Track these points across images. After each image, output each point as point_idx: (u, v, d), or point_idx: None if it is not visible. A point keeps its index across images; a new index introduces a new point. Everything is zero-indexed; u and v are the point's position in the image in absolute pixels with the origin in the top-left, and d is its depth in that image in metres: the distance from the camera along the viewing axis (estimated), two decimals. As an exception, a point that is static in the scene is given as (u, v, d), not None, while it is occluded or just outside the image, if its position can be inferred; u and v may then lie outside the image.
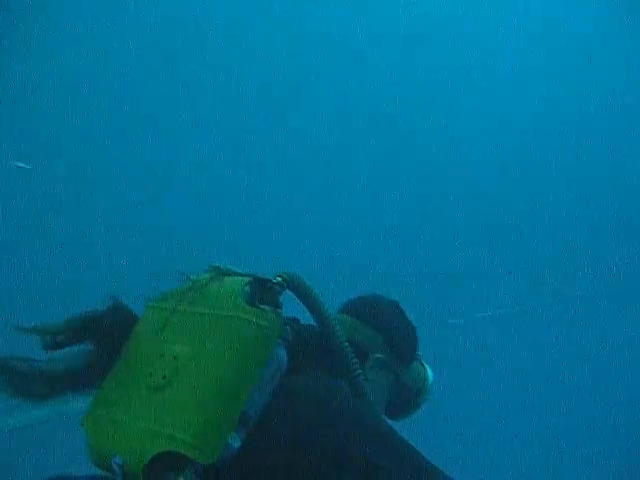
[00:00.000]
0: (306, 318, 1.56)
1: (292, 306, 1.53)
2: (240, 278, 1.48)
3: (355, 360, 1.53)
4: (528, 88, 8.82)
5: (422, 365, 1.77)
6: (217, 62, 7.94)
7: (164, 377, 1.35)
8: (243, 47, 8.01)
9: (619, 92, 8.53)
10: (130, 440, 1.32)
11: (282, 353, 1.43)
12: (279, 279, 1.48)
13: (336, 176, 8.12)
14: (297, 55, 8.21)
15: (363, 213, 7.96)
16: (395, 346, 1.68)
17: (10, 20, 6.69)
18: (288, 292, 1.52)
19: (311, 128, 8.14)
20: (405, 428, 1.55)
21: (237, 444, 1.31)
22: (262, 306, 1.42)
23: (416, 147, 8.46)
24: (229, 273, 1.52)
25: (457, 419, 6.22)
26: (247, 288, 1.44)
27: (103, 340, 1.45)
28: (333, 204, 8.02)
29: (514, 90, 8.78)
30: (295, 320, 1.52)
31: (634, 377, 6.73)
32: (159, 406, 1.33)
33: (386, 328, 1.69)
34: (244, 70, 8.08)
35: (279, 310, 1.45)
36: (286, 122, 8.08)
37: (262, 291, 1.46)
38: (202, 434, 1.27)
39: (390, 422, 1.48)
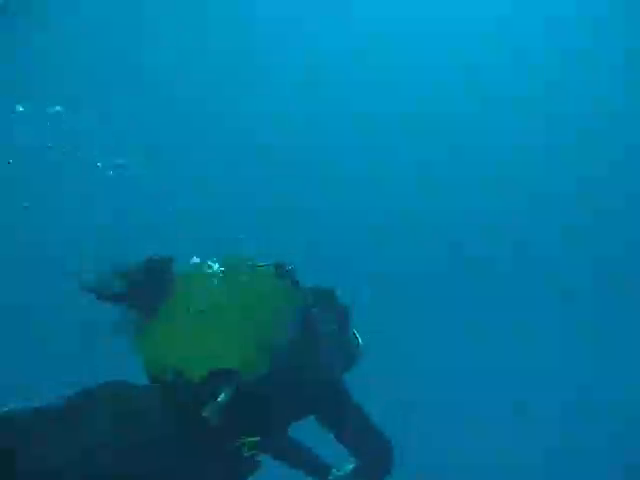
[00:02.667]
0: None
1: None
2: (261, 263, 2.18)
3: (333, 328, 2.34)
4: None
5: (354, 335, 2.56)
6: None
7: (212, 315, 1.93)
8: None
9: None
10: (191, 357, 1.85)
11: (300, 312, 2.15)
12: (291, 267, 2.21)
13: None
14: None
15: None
16: (340, 320, 2.48)
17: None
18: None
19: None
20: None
21: (266, 370, 1.95)
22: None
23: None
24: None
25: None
26: (272, 269, 2.17)
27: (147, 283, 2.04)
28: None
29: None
30: None
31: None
32: (212, 335, 1.89)
33: (334, 308, 2.47)
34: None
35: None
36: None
37: (281, 272, 2.18)
38: (250, 356, 1.89)
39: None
